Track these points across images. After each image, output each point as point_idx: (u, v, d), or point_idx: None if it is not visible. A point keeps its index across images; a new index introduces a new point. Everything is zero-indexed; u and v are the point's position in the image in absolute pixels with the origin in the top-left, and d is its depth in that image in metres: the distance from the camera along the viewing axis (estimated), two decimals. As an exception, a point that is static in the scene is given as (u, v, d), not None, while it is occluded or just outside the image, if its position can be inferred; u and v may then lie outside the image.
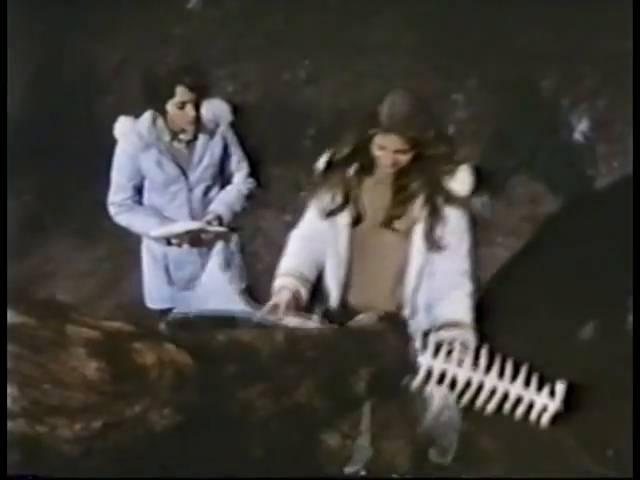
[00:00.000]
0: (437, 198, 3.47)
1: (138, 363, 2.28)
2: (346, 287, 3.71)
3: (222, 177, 4.67)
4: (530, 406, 3.25)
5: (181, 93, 4.22)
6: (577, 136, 5.77)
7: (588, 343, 4.85)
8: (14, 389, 2.11)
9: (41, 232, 6.11)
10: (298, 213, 3.80)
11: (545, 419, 3.21)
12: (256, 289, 4.24)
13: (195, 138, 4.48)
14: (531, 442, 3.69)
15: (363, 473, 3.16)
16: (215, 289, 3.51)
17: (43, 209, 6.16)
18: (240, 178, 4.70)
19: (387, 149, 3.35)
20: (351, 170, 3.57)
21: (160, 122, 4.41)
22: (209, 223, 4.53)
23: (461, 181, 3.47)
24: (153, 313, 4.80)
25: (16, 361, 2.15)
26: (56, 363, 2.19)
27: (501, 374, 3.31)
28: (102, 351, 2.24)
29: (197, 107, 4.31)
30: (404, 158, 3.37)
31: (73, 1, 6.12)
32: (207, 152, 4.50)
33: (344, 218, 3.59)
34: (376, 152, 3.39)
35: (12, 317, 2.22)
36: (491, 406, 3.25)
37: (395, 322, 3.22)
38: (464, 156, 3.57)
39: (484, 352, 3.37)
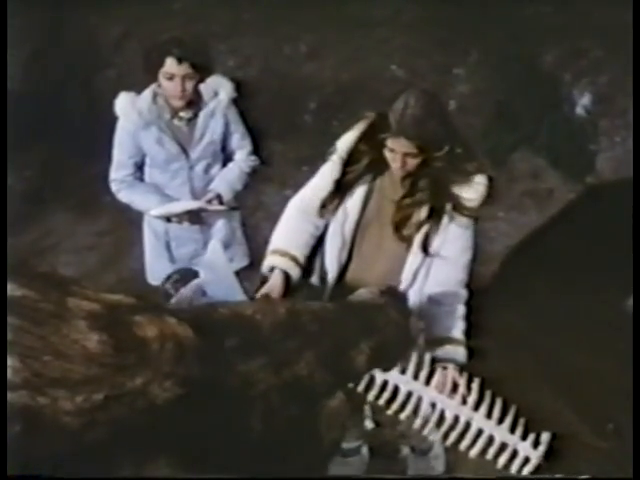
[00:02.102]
0: (445, 205, 3.46)
1: (139, 336, 2.28)
2: (344, 269, 3.73)
3: (224, 154, 4.66)
4: (513, 454, 3.28)
5: (169, 64, 4.22)
6: (579, 111, 5.78)
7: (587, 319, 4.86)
8: (15, 361, 2.11)
9: (42, 206, 6.11)
10: (299, 188, 3.80)
11: (526, 471, 3.24)
12: (257, 263, 4.25)
13: (195, 115, 4.48)
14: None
15: (364, 449, 3.18)
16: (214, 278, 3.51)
17: (44, 183, 6.16)
18: (242, 155, 4.70)
19: (397, 152, 3.34)
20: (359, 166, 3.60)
21: (161, 100, 4.41)
22: (209, 202, 4.53)
23: (473, 191, 3.45)
24: (154, 287, 4.81)
25: (17, 333, 2.15)
26: (57, 335, 2.18)
27: (489, 414, 3.35)
28: (103, 324, 2.23)
29: (185, 82, 4.30)
30: (413, 162, 3.36)
31: (73, -25, 6.12)
32: (208, 130, 4.50)
33: (356, 203, 3.60)
34: (387, 154, 3.39)
35: (13, 290, 2.22)
36: (474, 451, 3.29)
37: (396, 296, 3.22)
38: (479, 164, 3.53)
39: (475, 387, 3.41)
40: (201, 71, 4.33)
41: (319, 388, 2.60)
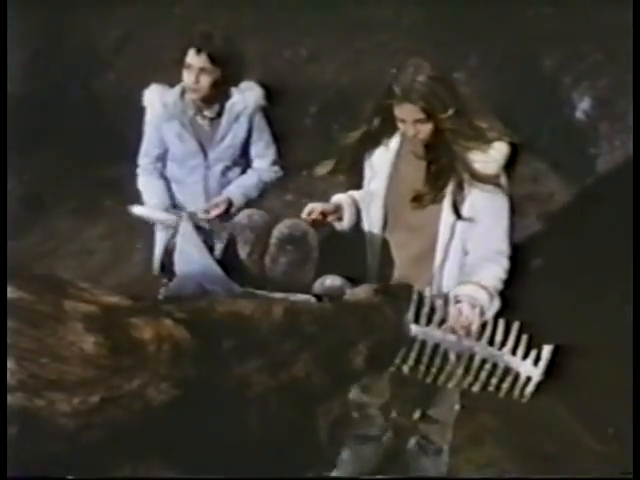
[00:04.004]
0: (463, 174, 3.43)
1: (136, 338, 2.28)
2: (381, 256, 3.71)
3: (246, 160, 4.66)
4: (515, 378, 3.25)
5: (189, 54, 4.27)
6: (579, 114, 5.76)
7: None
8: (12, 363, 2.11)
9: (41, 211, 6.10)
10: (300, 192, 3.80)
11: (527, 392, 3.21)
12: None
13: (219, 116, 4.49)
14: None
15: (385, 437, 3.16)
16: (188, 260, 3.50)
17: (43, 188, 6.15)
18: (264, 164, 4.68)
19: (407, 121, 3.36)
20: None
21: (188, 96, 4.44)
22: (216, 205, 4.51)
23: (487, 157, 3.42)
24: (151, 290, 4.80)
25: (13, 335, 2.15)
26: (54, 337, 2.18)
27: (491, 341, 3.29)
28: (100, 326, 2.23)
29: (200, 75, 4.33)
30: (425, 128, 3.37)
31: (72, -21, 6.12)
32: (230, 132, 4.52)
33: (380, 186, 3.62)
34: (400, 126, 3.42)
35: (10, 292, 2.22)
36: (477, 387, 3.25)
37: (392, 294, 3.21)
38: (500, 132, 3.52)
39: (476, 313, 3.35)
40: (223, 68, 4.35)
41: (317, 390, 2.60)
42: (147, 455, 2.29)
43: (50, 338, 2.18)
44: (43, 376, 2.14)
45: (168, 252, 3.83)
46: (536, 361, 3.25)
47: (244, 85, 4.57)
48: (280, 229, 3.53)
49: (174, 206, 4.61)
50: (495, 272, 3.49)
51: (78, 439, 2.17)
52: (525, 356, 3.27)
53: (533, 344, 3.38)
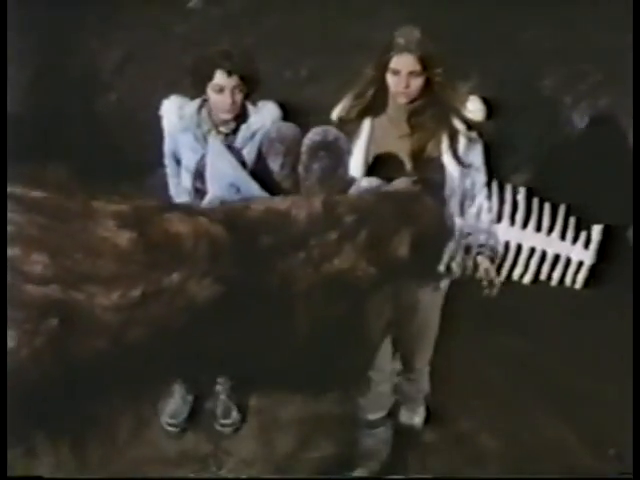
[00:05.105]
0: (457, 124, 3.56)
1: (171, 232, 2.21)
2: None
3: None
4: (567, 263, 3.26)
5: (219, 76, 4.26)
6: (579, 134, 5.79)
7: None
8: (44, 257, 2.05)
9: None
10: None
11: (580, 278, 3.22)
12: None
13: (234, 132, 4.50)
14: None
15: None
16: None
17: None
18: None
19: (401, 73, 3.45)
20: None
21: (205, 111, 4.44)
22: None
23: (473, 109, 3.56)
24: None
25: (43, 231, 2.08)
26: (85, 233, 2.12)
27: (538, 227, 3.32)
28: (132, 222, 2.17)
29: (234, 95, 4.33)
30: (417, 82, 3.45)
31: (74, -1, 6.18)
32: (244, 149, 4.51)
33: (357, 161, 3.65)
34: (390, 80, 3.48)
35: (36, 193, 2.18)
36: (528, 277, 3.28)
37: (429, 185, 3.20)
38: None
39: (521, 197, 3.41)
40: (249, 84, 4.36)
41: (363, 282, 2.53)
42: (191, 354, 2.22)
43: (81, 234, 2.13)
44: (78, 270, 2.07)
45: (199, 173, 3.80)
46: (586, 244, 3.27)
47: (262, 104, 4.59)
48: (311, 137, 3.54)
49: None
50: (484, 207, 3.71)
51: (121, 336, 2.09)
52: (575, 240, 3.29)
53: (582, 226, 3.39)
